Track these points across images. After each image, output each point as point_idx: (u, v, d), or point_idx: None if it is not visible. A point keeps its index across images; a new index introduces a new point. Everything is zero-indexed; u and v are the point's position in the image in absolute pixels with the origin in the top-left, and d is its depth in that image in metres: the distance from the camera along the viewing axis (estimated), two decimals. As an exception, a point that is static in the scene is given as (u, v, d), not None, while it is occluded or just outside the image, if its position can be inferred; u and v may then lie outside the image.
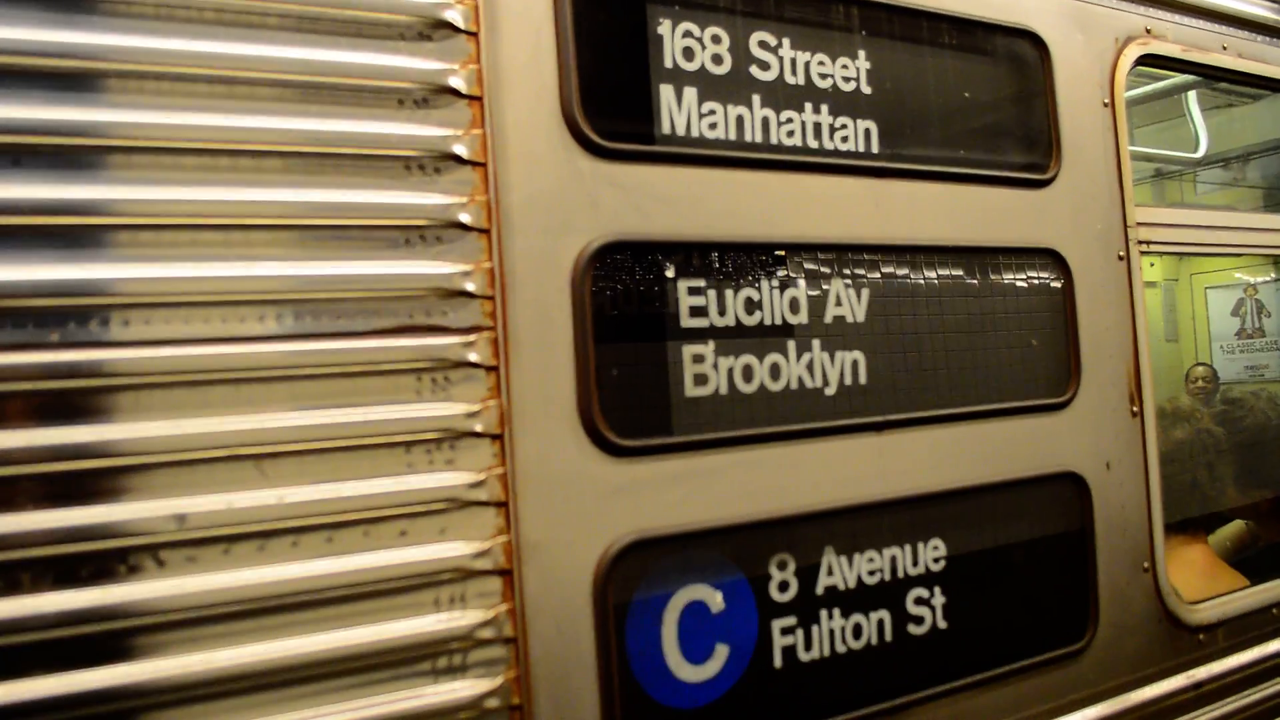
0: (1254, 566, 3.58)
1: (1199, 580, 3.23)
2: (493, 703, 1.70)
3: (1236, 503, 3.93)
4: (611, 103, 1.93)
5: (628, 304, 1.89)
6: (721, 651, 1.94)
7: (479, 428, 1.72)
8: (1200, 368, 7.12)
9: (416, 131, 1.74)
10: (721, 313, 1.98)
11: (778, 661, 2.00)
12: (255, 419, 1.58)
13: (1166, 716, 2.58)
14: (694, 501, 1.92)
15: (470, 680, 1.69)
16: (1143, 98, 4.67)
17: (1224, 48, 3.04)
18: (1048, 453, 2.41)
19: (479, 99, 1.79)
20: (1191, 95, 4.92)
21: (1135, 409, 2.58)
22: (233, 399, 1.58)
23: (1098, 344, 2.52)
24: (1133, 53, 2.75)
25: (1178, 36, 2.91)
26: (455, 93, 1.77)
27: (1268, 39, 3.19)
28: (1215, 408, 4.19)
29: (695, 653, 1.91)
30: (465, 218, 1.75)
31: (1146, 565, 2.57)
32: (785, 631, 2.01)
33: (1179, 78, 4.52)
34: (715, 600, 1.94)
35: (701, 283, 1.97)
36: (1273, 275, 5.90)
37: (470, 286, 1.74)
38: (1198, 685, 2.66)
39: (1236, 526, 4.02)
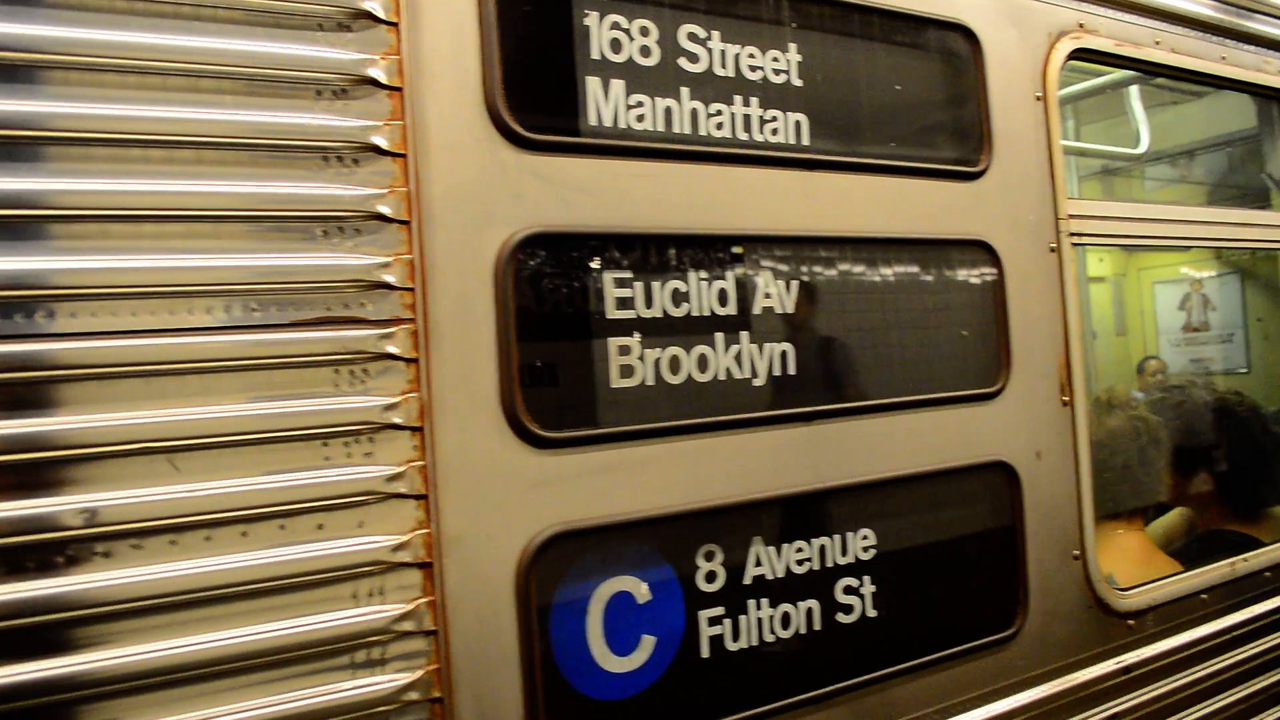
0: (1190, 554, 3.64)
1: (1136, 567, 3.28)
2: (412, 696, 1.69)
3: (1179, 490, 4.00)
4: (536, 94, 1.92)
5: (552, 295, 1.89)
6: (648, 642, 1.94)
7: (398, 420, 1.71)
8: (1153, 361, 7.24)
9: (335, 122, 1.72)
10: (648, 304, 1.98)
11: (705, 652, 2.00)
12: (168, 412, 1.56)
13: (1096, 701, 2.62)
14: (620, 493, 1.92)
15: (389, 674, 1.68)
16: (1086, 93, 4.72)
17: (1157, 43, 3.08)
18: (978, 443, 2.43)
19: (399, 90, 1.78)
20: (1133, 91, 4.98)
21: (1066, 399, 2.61)
22: (145, 392, 1.55)
23: (1029, 335, 2.55)
24: (1065, 47, 2.77)
25: (1111, 31, 2.94)
26: (375, 83, 1.76)
27: (1201, 34, 3.23)
28: (1155, 396, 4.25)
29: (621, 644, 1.91)
30: (385, 209, 1.74)
31: (1076, 553, 2.60)
32: (713, 622, 2.01)
33: (1120, 73, 4.57)
34: (641, 591, 1.94)
35: (628, 274, 1.97)
36: (1218, 270, 5.99)
37: (390, 278, 1.72)
38: (1127, 670, 2.70)
39: (1175, 514, 4.07)
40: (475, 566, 1.76)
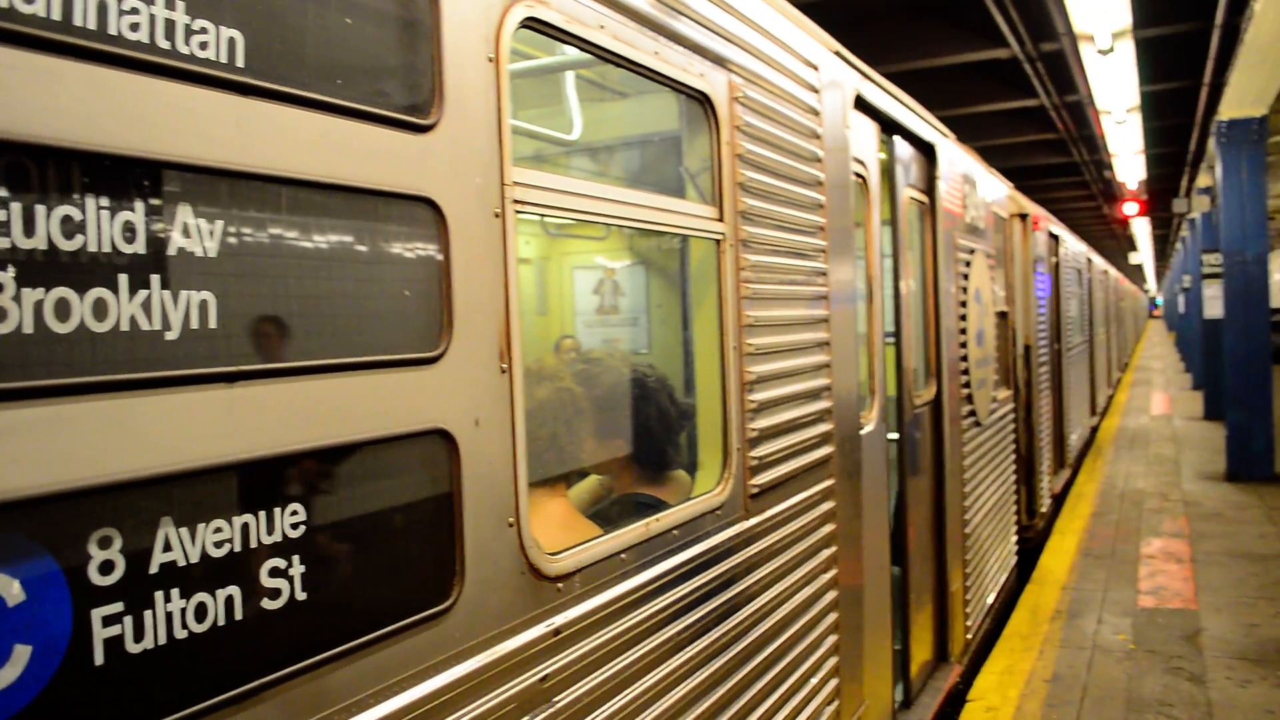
0: (608, 517, 3.89)
1: (559, 531, 3.41)
2: None
3: (597, 458, 4.26)
4: None
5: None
6: (22, 654, 1.55)
7: None
8: (568, 340, 7.78)
9: None
10: (29, 232, 1.58)
11: (100, 658, 1.65)
12: None
13: (529, 665, 2.64)
14: (-19, 469, 1.51)
15: None
16: (525, 73, 4.84)
17: (602, 27, 3.18)
18: (417, 409, 2.31)
19: None
20: (569, 78, 5.21)
21: (505, 366, 2.59)
22: None
23: (471, 299, 2.48)
24: (519, 13, 2.75)
25: (562, 7, 2.97)
26: None
27: (639, 27, 3.39)
28: (577, 368, 4.50)
29: (-19, 660, 1.51)
30: None
31: (511, 520, 2.60)
32: (109, 621, 1.66)
33: (563, 58, 4.75)
34: (12, 591, 1.54)
35: (2, 192, 1.55)
36: (629, 260, 6.55)
37: None
38: (557, 631, 2.76)
39: (591, 480, 4.34)
40: None
